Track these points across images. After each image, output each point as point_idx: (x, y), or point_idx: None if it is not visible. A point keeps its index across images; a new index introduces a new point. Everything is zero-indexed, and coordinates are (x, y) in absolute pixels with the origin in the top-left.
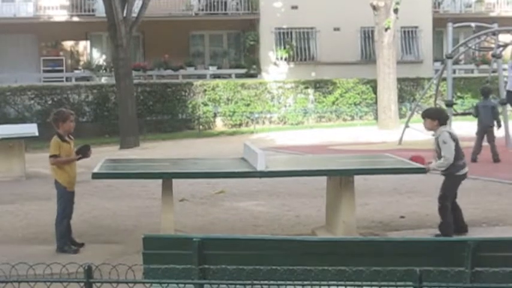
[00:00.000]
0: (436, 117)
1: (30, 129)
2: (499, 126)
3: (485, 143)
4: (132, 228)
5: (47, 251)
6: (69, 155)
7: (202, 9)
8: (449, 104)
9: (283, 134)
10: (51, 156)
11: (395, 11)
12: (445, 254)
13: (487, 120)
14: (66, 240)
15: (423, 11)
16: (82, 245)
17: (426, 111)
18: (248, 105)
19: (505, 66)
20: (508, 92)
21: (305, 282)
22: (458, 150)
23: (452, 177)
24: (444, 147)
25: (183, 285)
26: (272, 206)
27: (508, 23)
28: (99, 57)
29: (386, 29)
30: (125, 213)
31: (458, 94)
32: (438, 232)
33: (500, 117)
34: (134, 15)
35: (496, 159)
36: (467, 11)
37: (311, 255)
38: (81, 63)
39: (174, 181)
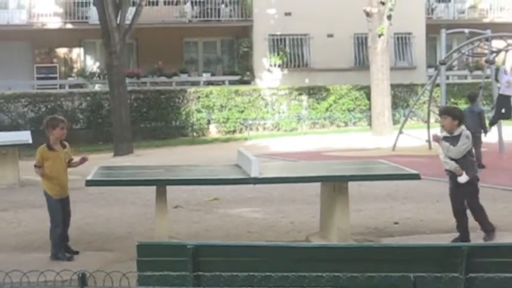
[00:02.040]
0: (458, 117)
1: (24, 136)
2: (486, 132)
3: (483, 149)
4: (126, 235)
5: (41, 258)
6: (56, 163)
7: (196, 16)
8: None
9: (277, 141)
10: (34, 166)
11: (389, 17)
12: (439, 259)
13: (473, 125)
14: (60, 247)
15: (416, 18)
16: (76, 252)
17: (448, 109)
18: (242, 111)
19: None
20: (500, 95)
21: None
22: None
23: (473, 178)
24: (466, 142)
25: None
26: (266, 213)
27: (501, 29)
28: (92, 65)
29: (379, 35)
30: (118, 220)
31: (452, 100)
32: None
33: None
34: (128, 22)
35: (478, 165)
36: (460, 17)
37: (305, 262)
38: (75, 70)
39: (168, 188)
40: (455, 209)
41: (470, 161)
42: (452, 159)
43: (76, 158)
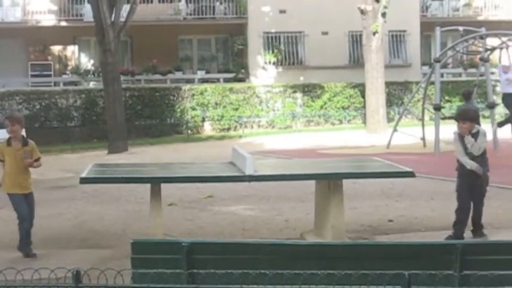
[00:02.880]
0: (476, 119)
1: None
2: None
3: None
4: (121, 232)
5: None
6: (11, 159)
7: (191, 14)
8: (437, 108)
9: (271, 138)
10: None
11: (383, 15)
12: (433, 257)
13: None
14: (26, 243)
15: (411, 15)
16: (34, 255)
17: (465, 114)
18: (236, 109)
19: (494, 69)
20: (504, 94)
21: (294, 286)
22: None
23: (486, 176)
24: (485, 139)
25: None
26: (261, 210)
27: (496, 27)
28: (87, 62)
29: (374, 33)
30: (113, 218)
31: (447, 98)
32: (451, 233)
33: (489, 120)
34: (122, 19)
35: None
36: (455, 15)
37: (300, 259)
38: (69, 67)
39: (163, 185)
40: (462, 206)
41: (487, 159)
42: (471, 157)
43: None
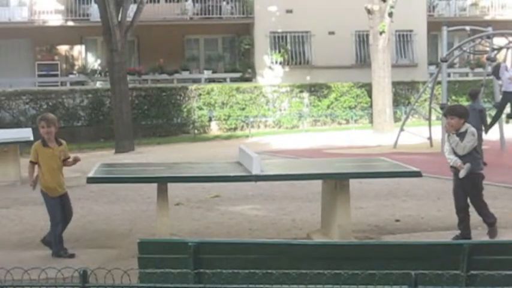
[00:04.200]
0: (465, 116)
1: (25, 133)
2: (486, 131)
3: (484, 147)
4: (128, 232)
5: (42, 255)
6: (49, 160)
7: (197, 14)
8: (444, 108)
9: (278, 138)
10: (30, 162)
11: (390, 14)
12: (440, 257)
13: (474, 123)
14: (61, 245)
15: (418, 15)
16: (72, 255)
17: (454, 109)
18: (243, 109)
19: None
20: (505, 92)
21: (300, 286)
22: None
23: (476, 175)
24: (472, 139)
25: None
26: (267, 210)
27: (503, 26)
28: (94, 62)
29: (381, 33)
30: (120, 218)
31: (453, 98)
32: (458, 233)
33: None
34: (129, 19)
35: None
36: (461, 15)
37: (306, 259)
38: (76, 67)
39: (170, 185)
40: (458, 206)
41: (475, 158)
42: (457, 155)
43: (71, 157)
